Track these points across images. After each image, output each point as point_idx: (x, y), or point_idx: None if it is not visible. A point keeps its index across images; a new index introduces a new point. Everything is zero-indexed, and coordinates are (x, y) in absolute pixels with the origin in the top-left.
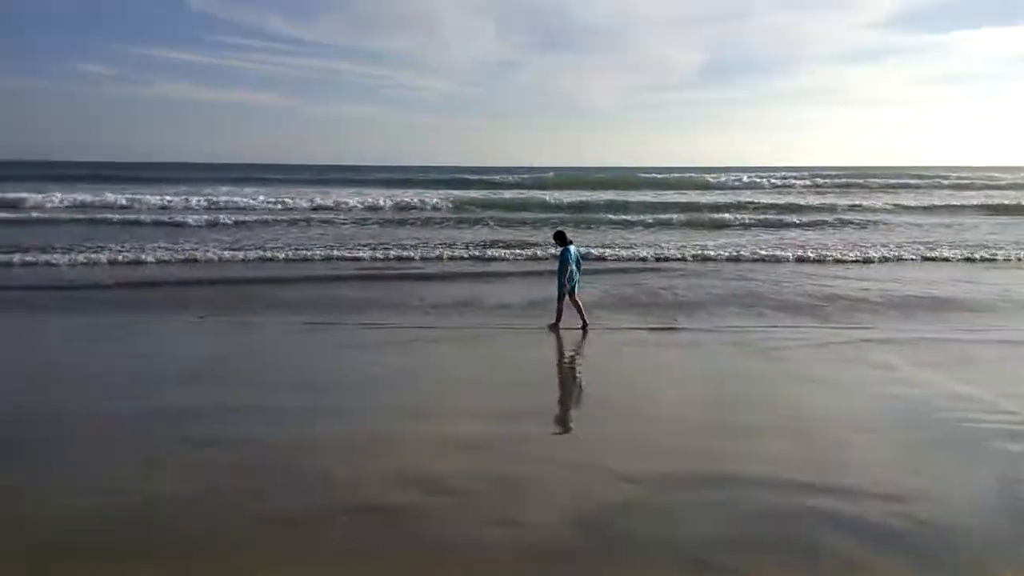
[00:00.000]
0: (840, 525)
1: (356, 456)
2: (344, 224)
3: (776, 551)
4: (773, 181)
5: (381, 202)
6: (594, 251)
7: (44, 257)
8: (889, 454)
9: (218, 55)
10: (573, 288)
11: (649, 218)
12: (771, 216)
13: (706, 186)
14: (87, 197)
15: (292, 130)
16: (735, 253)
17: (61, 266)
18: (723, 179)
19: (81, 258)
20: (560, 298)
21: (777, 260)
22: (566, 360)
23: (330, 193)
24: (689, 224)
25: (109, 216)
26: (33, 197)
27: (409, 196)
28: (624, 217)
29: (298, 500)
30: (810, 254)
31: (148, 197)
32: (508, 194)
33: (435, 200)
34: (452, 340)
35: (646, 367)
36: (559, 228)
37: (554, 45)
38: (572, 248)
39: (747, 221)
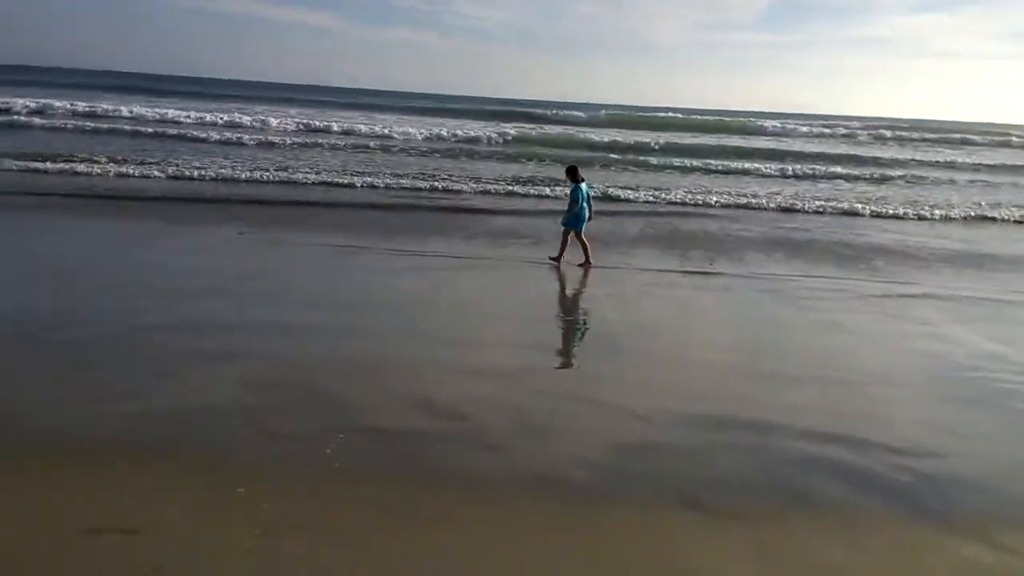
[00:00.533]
0: (844, 474)
1: (364, 377)
2: (392, 151)
3: (772, 494)
4: (833, 130)
5: (431, 132)
6: (634, 194)
7: (89, 167)
8: (911, 409)
9: None
10: (582, 226)
11: (698, 162)
12: (826, 166)
13: (762, 132)
14: (144, 110)
15: (345, 53)
16: (785, 203)
17: (110, 175)
18: (782, 125)
19: (133, 170)
20: (565, 233)
21: (828, 212)
22: (593, 297)
23: (380, 119)
24: (739, 171)
25: (163, 130)
26: (81, 105)
27: (463, 127)
28: (673, 160)
29: (300, 416)
30: (859, 206)
31: (203, 114)
32: (556, 130)
33: (490, 133)
34: (480, 270)
35: (675, 309)
36: (571, 164)
37: None
38: (583, 186)
39: (801, 171)
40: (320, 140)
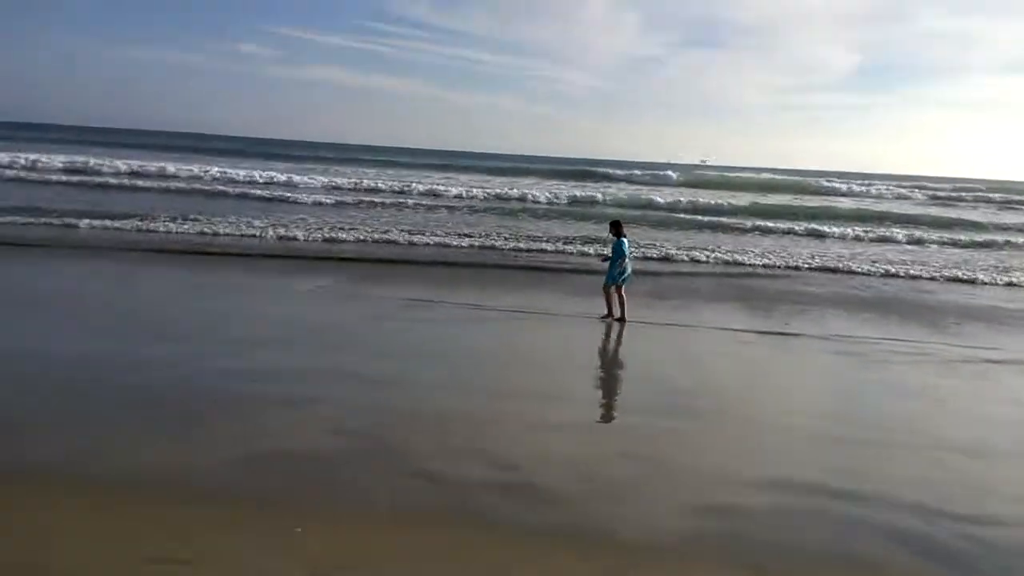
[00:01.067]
0: (912, 542)
1: (425, 425)
2: (465, 211)
3: (841, 564)
4: (919, 191)
5: (506, 191)
6: (708, 254)
7: (202, 226)
8: (997, 482)
9: (367, 40)
10: (624, 281)
11: (779, 224)
12: (911, 228)
13: (846, 193)
14: (237, 172)
15: (429, 116)
16: (868, 265)
17: (207, 233)
18: (867, 186)
19: (230, 229)
20: (606, 288)
21: (910, 275)
22: (663, 355)
23: (457, 179)
24: (818, 234)
25: (259, 193)
26: (187, 168)
27: (538, 187)
28: (756, 221)
29: (360, 461)
30: (945, 270)
31: (294, 177)
32: (628, 191)
33: (571, 192)
34: (548, 325)
35: (749, 370)
36: (615, 219)
37: (699, 42)
38: (626, 241)
39: (886, 233)
40: (406, 201)
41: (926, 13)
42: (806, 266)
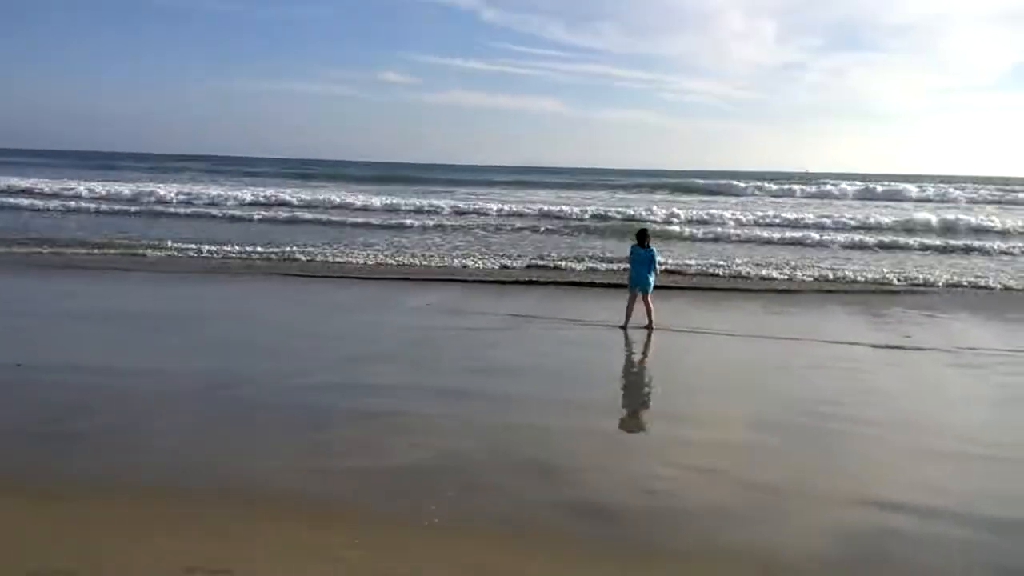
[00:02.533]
0: None
1: (492, 440)
2: (592, 232)
3: None
4: None
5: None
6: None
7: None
8: None
9: (504, 63)
10: (644, 289)
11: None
12: None
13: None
14: (374, 200)
15: (567, 134)
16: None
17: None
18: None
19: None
20: (647, 296)
21: None
22: (784, 370)
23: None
24: (963, 249)
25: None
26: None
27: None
28: (898, 238)
29: (425, 473)
30: None
31: (436, 201)
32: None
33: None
34: (666, 343)
35: (875, 385)
36: (642, 228)
37: (842, 44)
38: (642, 250)
39: None
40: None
41: None
42: (945, 282)
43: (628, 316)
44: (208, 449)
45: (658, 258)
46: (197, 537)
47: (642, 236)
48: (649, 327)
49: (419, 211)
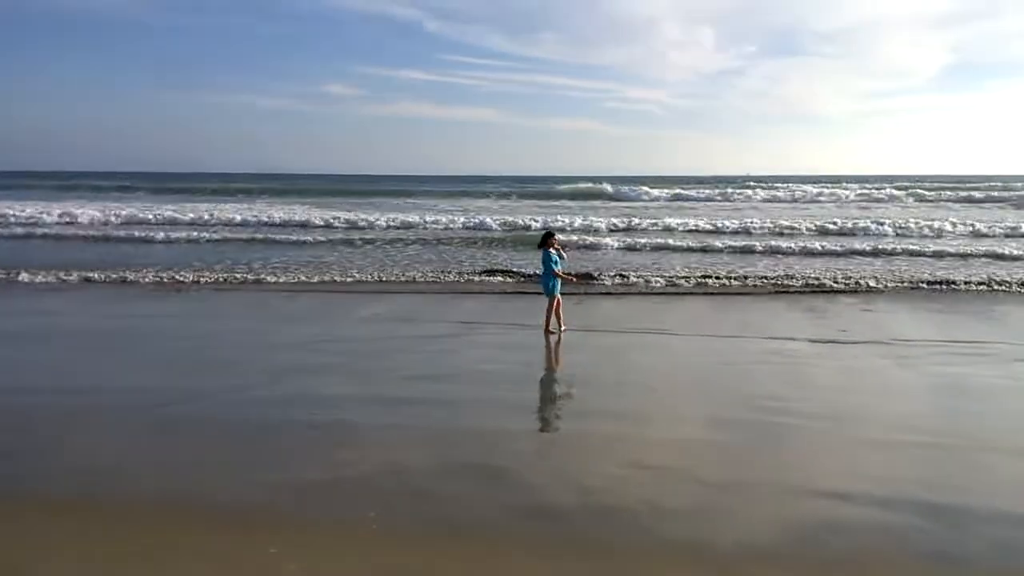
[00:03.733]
0: None
1: (437, 447)
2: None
3: None
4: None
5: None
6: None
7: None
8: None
9: (450, 73)
10: (549, 292)
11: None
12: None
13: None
14: (338, 214)
15: (508, 144)
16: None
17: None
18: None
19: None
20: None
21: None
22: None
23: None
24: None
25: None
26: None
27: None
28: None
29: (394, 483)
30: None
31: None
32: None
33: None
34: (614, 343)
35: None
36: (547, 230)
37: (778, 50)
38: (550, 251)
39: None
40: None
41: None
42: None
43: (547, 319)
44: (138, 463)
45: (554, 257)
46: (121, 552)
47: (545, 239)
48: (557, 329)
49: (369, 226)
